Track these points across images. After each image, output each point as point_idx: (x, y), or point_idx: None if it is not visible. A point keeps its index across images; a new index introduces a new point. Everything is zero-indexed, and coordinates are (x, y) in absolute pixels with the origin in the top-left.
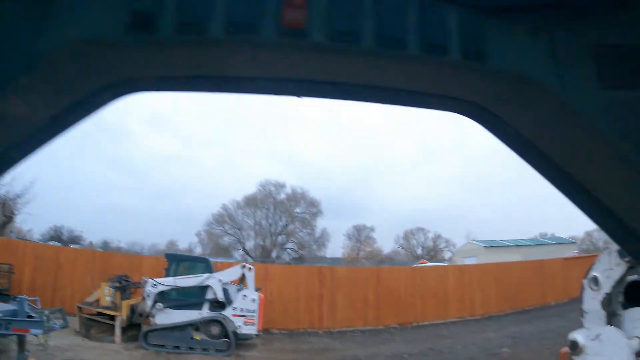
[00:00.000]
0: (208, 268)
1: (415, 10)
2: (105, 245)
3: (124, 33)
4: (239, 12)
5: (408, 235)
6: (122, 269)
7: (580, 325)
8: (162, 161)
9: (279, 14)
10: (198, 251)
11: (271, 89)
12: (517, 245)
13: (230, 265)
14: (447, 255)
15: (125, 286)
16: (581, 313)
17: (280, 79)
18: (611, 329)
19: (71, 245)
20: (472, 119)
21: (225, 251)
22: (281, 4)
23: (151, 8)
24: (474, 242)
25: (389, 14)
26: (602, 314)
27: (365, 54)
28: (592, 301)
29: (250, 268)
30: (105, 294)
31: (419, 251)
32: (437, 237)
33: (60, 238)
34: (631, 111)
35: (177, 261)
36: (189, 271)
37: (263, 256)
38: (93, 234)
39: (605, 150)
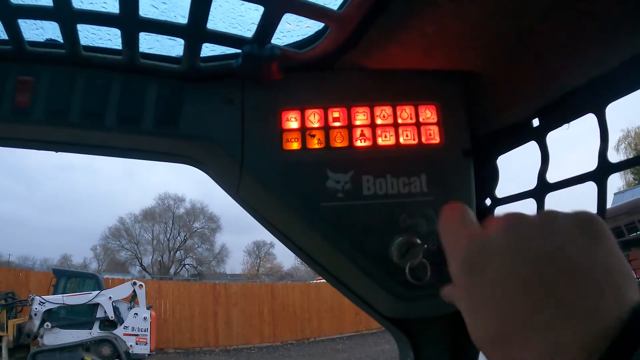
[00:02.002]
0: (98, 285)
1: (116, 87)
2: None
3: None
4: None
5: None
6: (8, 286)
7: None
8: (56, 169)
9: (13, 98)
10: (93, 267)
11: (16, 145)
12: None
13: (125, 282)
14: None
15: (12, 304)
16: None
17: (17, 139)
18: None
19: None
20: (192, 166)
21: (122, 267)
22: (14, 89)
23: None
24: None
25: (93, 94)
26: None
27: (71, 126)
28: None
29: (141, 285)
30: None
31: None
32: None
33: None
34: (308, 173)
35: (66, 277)
36: (78, 288)
37: (161, 272)
38: None
39: (286, 207)
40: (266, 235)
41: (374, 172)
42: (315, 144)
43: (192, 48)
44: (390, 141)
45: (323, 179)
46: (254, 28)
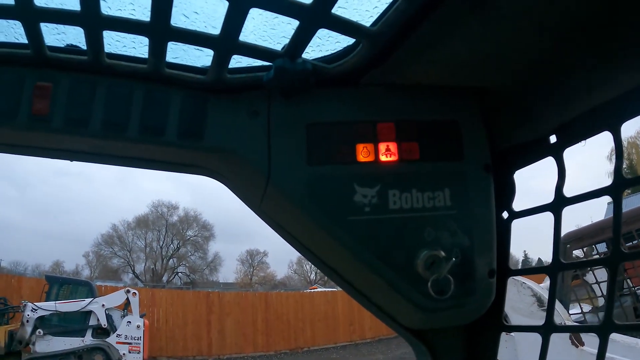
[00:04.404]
0: (91, 292)
1: (139, 96)
2: None
3: None
4: (3, 102)
5: (301, 261)
6: (0, 292)
7: None
8: (50, 174)
9: (31, 105)
10: (85, 273)
11: (34, 153)
12: None
13: (118, 289)
14: None
15: (3, 310)
16: None
17: (35, 147)
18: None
19: None
20: (212, 178)
21: (114, 274)
22: (31, 95)
23: None
24: None
25: (115, 103)
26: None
27: (92, 136)
28: None
29: (134, 293)
30: None
31: (312, 276)
32: None
33: None
34: (335, 187)
35: (59, 284)
36: (71, 295)
37: (154, 280)
38: None
39: (312, 221)
40: (260, 244)
41: (400, 186)
42: (342, 158)
43: (221, 59)
44: (415, 156)
45: (350, 193)
46: (284, 41)
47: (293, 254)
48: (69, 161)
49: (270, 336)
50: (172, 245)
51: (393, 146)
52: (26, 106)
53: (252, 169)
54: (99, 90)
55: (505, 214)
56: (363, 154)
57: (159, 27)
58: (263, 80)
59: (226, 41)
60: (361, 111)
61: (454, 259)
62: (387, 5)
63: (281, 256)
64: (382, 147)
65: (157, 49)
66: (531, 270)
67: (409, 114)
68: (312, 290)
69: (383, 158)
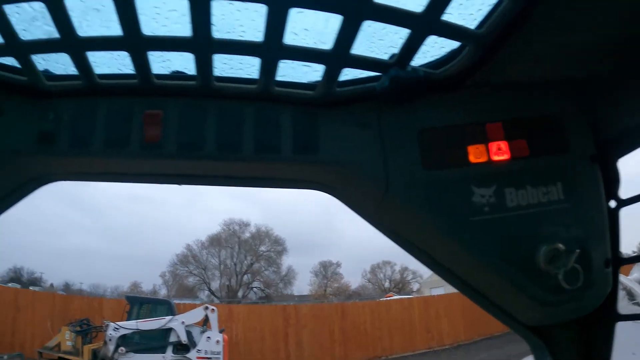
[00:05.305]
0: (170, 310)
1: (250, 116)
2: (67, 287)
3: (35, 146)
4: (113, 132)
5: (375, 269)
6: (83, 313)
7: None
8: (123, 201)
9: (142, 133)
10: (162, 293)
11: (146, 180)
12: None
13: (195, 306)
14: (415, 287)
15: (87, 330)
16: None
17: (148, 174)
18: None
19: (31, 287)
20: (325, 192)
21: (190, 292)
22: (143, 124)
23: (53, 130)
24: None
25: (227, 125)
26: None
27: (206, 158)
28: None
29: (213, 309)
30: (66, 338)
31: (387, 284)
32: (404, 269)
33: (20, 280)
34: (453, 190)
35: (139, 304)
36: (151, 314)
37: (229, 296)
38: (54, 276)
39: (431, 225)
40: (332, 255)
41: (514, 184)
42: (456, 161)
43: (331, 73)
44: (524, 153)
45: (468, 194)
46: (391, 51)
47: (366, 262)
48: (178, 185)
49: (347, 346)
50: (245, 261)
51: (504, 145)
52: (137, 134)
53: (370, 179)
54: (209, 113)
55: (612, 203)
56: (475, 155)
57: (272, 46)
58: (376, 90)
59: (338, 55)
60: (469, 113)
61: (577, 250)
62: (491, 6)
63: (354, 266)
64: (493, 146)
65: (268, 68)
66: None
67: (515, 111)
68: (388, 298)
69: (495, 158)
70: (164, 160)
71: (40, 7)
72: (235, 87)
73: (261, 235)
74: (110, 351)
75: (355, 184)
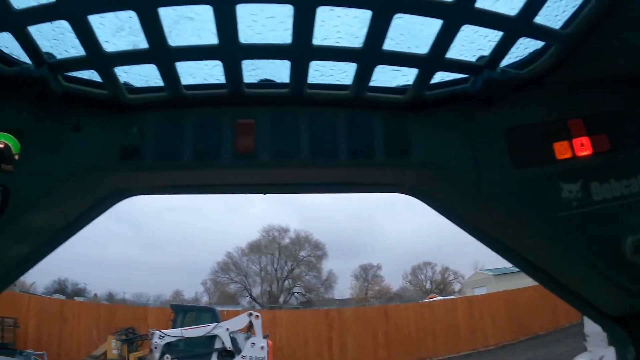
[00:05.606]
0: (214, 317)
1: (342, 122)
2: (110, 297)
3: (117, 161)
4: (203, 143)
5: (415, 271)
6: (127, 321)
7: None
8: (162, 212)
9: (234, 143)
10: (204, 300)
11: (237, 191)
12: None
13: (237, 313)
14: (456, 287)
15: (132, 339)
16: (583, 336)
17: (240, 184)
18: (613, 350)
19: (76, 298)
20: (411, 196)
21: (232, 299)
22: (234, 134)
23: (137, 143)
24: (482, 271)
25: (320, 132)
26: (604, 336)
27: (302, 166)
28: (594, 324)
29: (257, 315)
30: (112, 347)
31: (428, 286)
32: (445, 270)
33: (65, 291)
34: (542, 187)
35: (183, 312)
36: (196, 321)
37: (270, 302)
38: (97, 286)
39: (522, 223)
40: (372, 258)
41: (599, 178)
42: (543, 159)
43: (424, 77)
44: (606, 147)
45: (557, 190)
46: (479, 53)
47: (407, 264)
48: (267, 195)
49: (391, 349)
50: (286, 267)
51: (586, 140)
52: (228, 145)
53: (462, 181)
54: (302, 120)
55: None
56: (560, 151)
57: (370, 52)
58: (466, 92)
59: (432, 59)
60: (552, 111)
61: None
62: (576, 7)
63: (395, 268)
64: (577, 142)
65: (363, 74)
66: None
67: (594, 107)
68: (430, 300)
69: (579, 153)
70: (258, 169)
71: (127, 17)
72: (328, 93)
73: (301, 241)
74: (156, 359)
75: (447, 186)
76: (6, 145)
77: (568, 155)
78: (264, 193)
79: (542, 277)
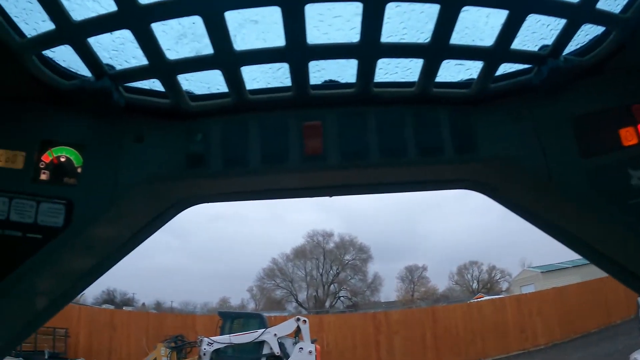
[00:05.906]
0: (262, 323)
1: (409, 119)
2: (158, 306)
3: (182, 169)
4: (270, 147)
5: (462, 271)
6: (176, 329)
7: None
8: (205, 220)
9: (302, 146)
10: (251, 307)
11: (304, 195)
12: (575, 266)
13: (284, 318)
14: (504, 286)
15: (181, 346)
16: (639, 332)
17: (309, 187)
18: None
19: (124, 308)
20: (477, 191)
21: (278, 305)
22: (302, 136)
23: (202, 151)
24: (530, 269)
25: (388, 130)
26: None
27: (370, 167)
28: None
29: (305, 320)
30: (162, 354)
31: (475, 285)
32: (492, 268)
33: (113, 301)
34: (610, 174)
35: (231, 318)
36: (244, 328)
37: (317, 307)
38: (145, 296)
39: (592, 212)
40: (418, 259)
41: None
42: (610, 146)
43: (489, 69)
44: None
45: (626, 177)
46: (541, 43)
47: (452, 264)
48: (328, 197)
49: (439, 351)
50: (331, 271)
51: None
52: (297, 147)
53: (531, 173)
54: (369, 120)
55: None
56: (627, 137)
57: (437, 47)
58: (531, 82)
59: (498, 51)
60: (615, 96)
61: None
62: None
63: (440, 268)
64: None
65: (430, 70)
66: None
67: None
68: (478, 300)
69: None
70: (328, 171)
71: (190, 23)
72: (393, 91)
73: (345, 244)
74: None
75: (516, 179)
76: (68, 159)
77: (634, 141)
78: (331, 195)
79: (615, 269)
